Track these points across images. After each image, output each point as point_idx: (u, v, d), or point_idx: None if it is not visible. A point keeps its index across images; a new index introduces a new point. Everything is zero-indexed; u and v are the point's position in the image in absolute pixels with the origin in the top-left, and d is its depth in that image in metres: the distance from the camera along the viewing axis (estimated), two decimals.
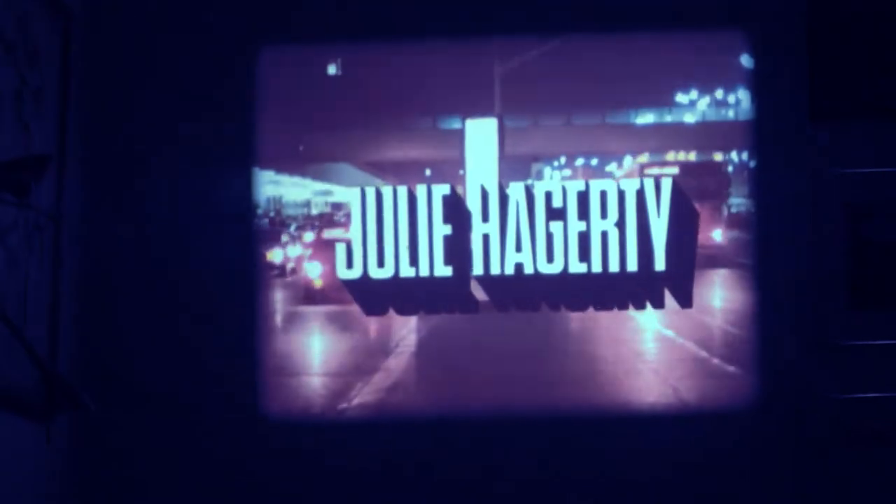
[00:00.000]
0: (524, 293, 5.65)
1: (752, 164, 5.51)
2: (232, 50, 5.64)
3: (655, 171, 5.32)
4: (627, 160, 5.24)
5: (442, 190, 5.66)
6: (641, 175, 5.31)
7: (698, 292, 5.47)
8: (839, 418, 5.32)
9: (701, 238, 5.44)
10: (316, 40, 5.61)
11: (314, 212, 5.30)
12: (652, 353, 5.61)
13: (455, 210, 5.68)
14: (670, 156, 5.46)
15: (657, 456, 5.42)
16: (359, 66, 5.74)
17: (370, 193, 5.65)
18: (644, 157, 5.28)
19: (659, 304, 5.59)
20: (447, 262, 5.67)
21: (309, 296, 5.95)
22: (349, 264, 5.64)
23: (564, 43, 5.49)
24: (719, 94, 5.42)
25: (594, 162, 5.24)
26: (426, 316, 5.63)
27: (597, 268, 5.60)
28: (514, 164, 5.59)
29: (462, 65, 5.59)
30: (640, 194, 5.56)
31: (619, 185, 5.57)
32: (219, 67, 5.65)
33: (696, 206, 5.44)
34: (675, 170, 5.39)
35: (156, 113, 5.63)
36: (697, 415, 5.47)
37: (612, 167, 5.28)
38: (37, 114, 5.12)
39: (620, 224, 5.59)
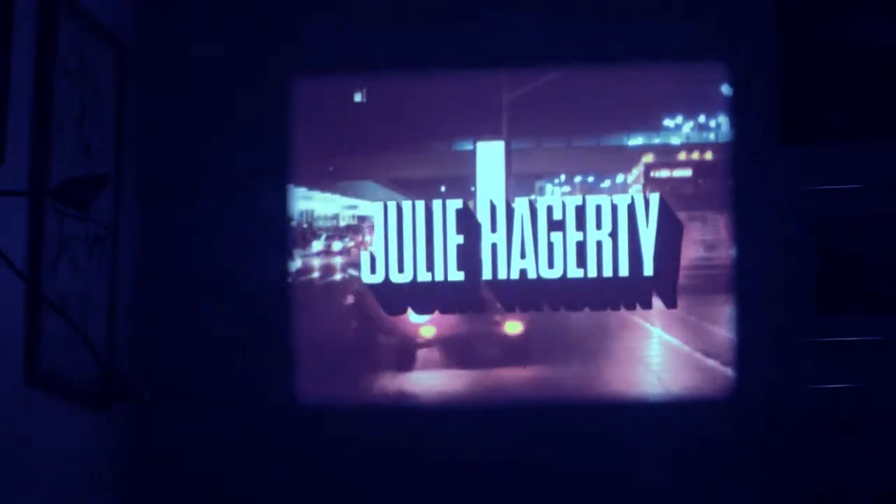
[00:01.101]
0: (528, 296, 5.66)
1: (730, 182, 5.49)
2: (270, 81, 5.67)
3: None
4: (636, 171, 5.21)
5: (455, 204, 5.68)
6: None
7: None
8: (809, 407, 5.31)
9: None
10: (344, 72, 5.59)
11: (342, 224, 5.32)
12: (643, 349, 5.57)
13: (467, 222, 5.68)
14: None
15: (642, 441, 5.42)
16: (382, 94, 5.75)
17: (392, 207, 5.66)
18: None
19: (647, 305, 5.60)
20: (460, 267, 5.67)
21: None
22: (373, 270, 5.63)
23: (564, 76, 5.46)
24: (702, 119, 5.41)
25: (590, 179, 5.20)
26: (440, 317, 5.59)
27: (592, 273, 5.60)
28: (520, 182, 5.58)
29: (473, 94, 5.61)
30: (631, 208, 5.57)
31: (612, 200, 5.58)
32: (258, 97, 5.67)
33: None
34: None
35: (202, 136, 5.67)
36: (681, 403, 5.40)
37: (606, 184, 5.25)
38: (96, 137, 5.12)
39: (613, 234, 5.59)
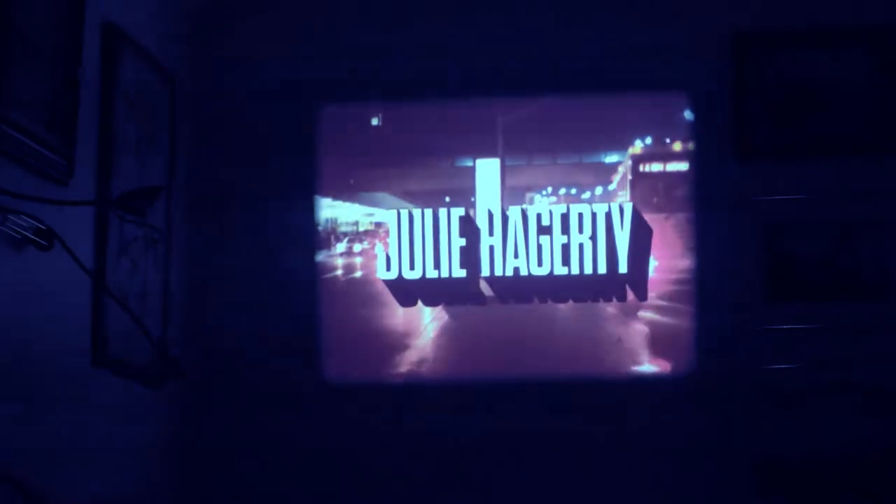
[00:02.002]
0: (520, 290, 5.67)
1: (693, 192, 5.50)
2: (300, 107, 5.67)
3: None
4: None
5: (458, 212, 5.68)
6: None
7: None
8: (762, 384, 5.33)
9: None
10: (362, 100, 5.59)
11: (361, 228, 5.34)
12: (621, 334, 5.58)
13: (468, 227, 5.68)
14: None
15: (617, 413, 5.43)
16: (395, 119, 5.75)
17: (404, 214, 5.66)
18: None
19: (622, 298, 5.61)
20: (462, 266, 5.68)
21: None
22: (388, 268, 5.65)
23: (551, 103, 5.48)
24: (667, 140, 5.40)
25: (573, 191, 5.20)
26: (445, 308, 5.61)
27: (575, 270, 5.60)
28: (513, 193, 5.58)
29: (473, 118, 5.60)
30: (608, 215, 5.57)
31: (591, 209, 5.57)
32: (290, 120, 5.68)
33: None
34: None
35: (242, 153, 5.67)
36: (651, 380, 5.42)
37: (586, 195, 5.24)
38: (152, 155, 5.13)
39: (593, 238, 5.59)
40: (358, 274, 5.73)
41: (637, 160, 5.60)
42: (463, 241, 5.67)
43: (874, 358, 5.25)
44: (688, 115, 5.55)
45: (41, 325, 4.32)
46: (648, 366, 5.53)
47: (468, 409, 5.48)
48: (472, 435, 5.42)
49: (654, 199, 5.59)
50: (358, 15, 5.66)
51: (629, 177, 5.61)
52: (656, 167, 5.62)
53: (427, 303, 5.70)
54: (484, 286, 5.68)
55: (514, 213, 5.64)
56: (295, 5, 5.66)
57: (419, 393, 5.61)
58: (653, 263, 5.55)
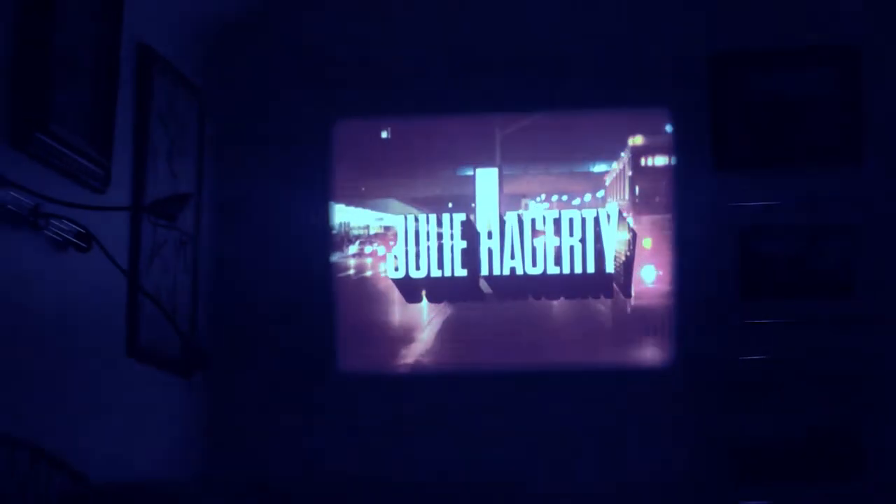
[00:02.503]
0: (516, 288, 5.68)
1: (674, 198, 5.50)
2: (316, 121, 5.68)
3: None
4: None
5: (460, 217, 5.70)
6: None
7: None
8: (736, 373, 5.33)
9: None
10: (372, 115, 5.61)
11: (371, 232, 5.36)
12: (606, 328, 5.60)
13: (469, 231, 5.71)
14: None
15: (602, 398, 5.43)
16: (402, 132, 5.76)
17: (410, 219, 5.70)
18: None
19: (608, 295, 5.62)
20: (463, 266, 5.71)
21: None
22: (396, 268, 5.67)
23: (544, 118, 5.50)
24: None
25: (564, 198, 5.22)
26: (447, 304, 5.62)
27: (566, 270, 5.62)
28: (510, 200, 5.60)
29: (473, 132, 5.62)
30: (596, 220, 5.60)
31: (581, 214, 5.60)
32: (308, 133, 5.69)
33: None
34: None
35: (264, 163, 5.67)
36: (634, 371, 5.43)
37: (576, 201, 5.26)
38: (182, 164, 5.15)
39: (583, 240, 5.61)
40: (369, 273, 5.75)
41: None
42: (464, 244, 5.69)
43: (838, 350, 5.26)
44: (668, 128, 5.58)
45: (81, 319, 4.35)
46: (633, 356, 5.54)
47: (466, 390, 5.51)
48: (472, 413, 5.44)
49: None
50: (369, 36, 5.65)
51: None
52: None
53: (431, 299, 5.72)
54: (483, 284, 5.69)
55: (510, 218, 5.66)
56: (311, 29, 5.65)
57: (423, 378, 5.66)
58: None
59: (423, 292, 5.72)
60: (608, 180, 5.67)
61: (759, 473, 5.24)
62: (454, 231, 5.70)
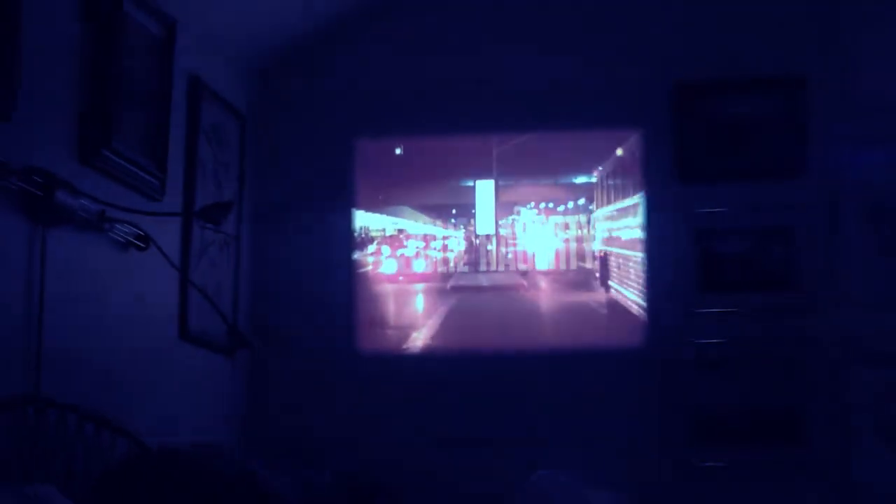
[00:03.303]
0: (511, 282, 5.73)
1: (645, 206, 5.48)
2: (340, 140, 5.70)
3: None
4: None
5: (462, 221, 5.77)
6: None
7: None
8: (697, 354, 5.32)
9: None
10: (388, 135, 5.63)
11: (388, 234, 5.40)
12: (587, 317, 5.60)
13: (470, 233, 5.77)
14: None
15: (583, 373, 5.42)
16: (414, 148, 5.77)
17: (420, 223, 5.81)
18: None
19: (589, 289, 5.65)
20: (465, 263, 5.77)
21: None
22: (408, 265, 5.77)
23: (534, 137, 5.53)
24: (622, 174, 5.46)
25: (551, 205, 5.25)
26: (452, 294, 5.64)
27: (553, 267, 5.65)
28: (505, 207, 5.63)
29: (474, 148, 5.64)
30: (578, 223, 5.60)
31: (565, 219, 5.60)
32: (333, 150, 5.70)
33: None
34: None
35: (295, 175, 5.68)
36: (611, 350, 5.43)
37: (561, 208, 5.28)
38: (225, 178, 5.20)
39: (566, 241, 5.62)
40: (384, 269, 5.76)
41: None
42: (465, 244, 5.74)
43: (781, 335, 5.27)
44: (640, 146, 5.56)
45: (140, 308, 4.40)
46: (609, 339, 5.54)
47: (467, 367, 5.52)
48: (472, 386, 5.47)
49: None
50: (387, 73, 5.69)
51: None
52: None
53: (439, 292, 5.76)
54: (483, 279, 5.75)
55: (505, 222, 5.69)
56: (338, 66, 5.68)
57: (430, 358, 5.63)
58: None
59: (432, 285, 5.73)
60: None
61: (715, 438, 5.24)
62: (458, 233, 5.74)
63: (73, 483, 3.48)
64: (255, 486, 3.47)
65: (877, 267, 5.22)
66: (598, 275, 5.64)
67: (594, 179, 5.69)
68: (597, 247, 5.65)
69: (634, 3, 5.57)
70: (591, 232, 5.64)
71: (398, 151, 5.79)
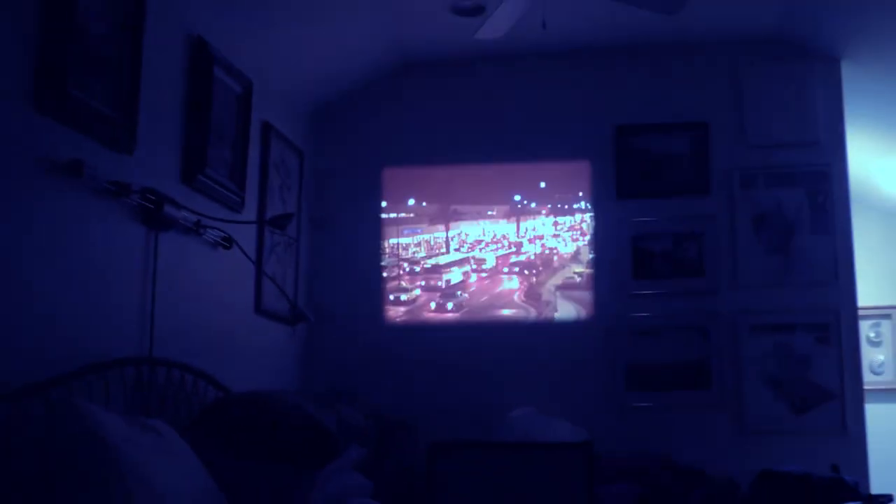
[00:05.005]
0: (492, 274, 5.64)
1: (591, 217, 5.45)
2: (373, 168, 5.65)
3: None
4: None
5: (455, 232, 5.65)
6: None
7: None
8: (632, 324, 5.27)
9: None
10: (410, 164, 5.60)
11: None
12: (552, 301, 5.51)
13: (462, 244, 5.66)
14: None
15: (545, 340, 5.37)
16: (424, 175, 5.70)
17: (429, 234, 5.64)
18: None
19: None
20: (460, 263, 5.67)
21: None
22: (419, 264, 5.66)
23: (500, 168, 5.48)
24: (580, 192, 5.34)
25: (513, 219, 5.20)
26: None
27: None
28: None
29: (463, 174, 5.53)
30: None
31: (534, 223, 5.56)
32: (368, 175, 5.65)
33: None
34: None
35: (340, 196, 5.65)
36: (567, 322, 5.38)
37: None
38: (288, 195, 5.19)
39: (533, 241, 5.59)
40: (406, 268, 5.72)
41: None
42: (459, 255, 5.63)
43: (694, 309, 5.25)
44: (588, 174, 5.49)
45: (226, 291, 4.41)
46: (566, 314, 5.50)
47: (468, 335, 5.46)
48: (471, 350, 5.41)
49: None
50: (402, 123, 5.65)
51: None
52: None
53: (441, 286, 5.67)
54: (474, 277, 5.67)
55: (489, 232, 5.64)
56: (371, 115, 5.66)
57: (439, 327, 5.55)
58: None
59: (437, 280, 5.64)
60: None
61: (645, 385, 5.23)
62: (450, 245, 5.62)
63: (178, 419, 3.50)
64: (309, 419, 3.49)
65: (762, 260, 5.23)
66: None
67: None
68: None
69: (592, 72, 5.56)
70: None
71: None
